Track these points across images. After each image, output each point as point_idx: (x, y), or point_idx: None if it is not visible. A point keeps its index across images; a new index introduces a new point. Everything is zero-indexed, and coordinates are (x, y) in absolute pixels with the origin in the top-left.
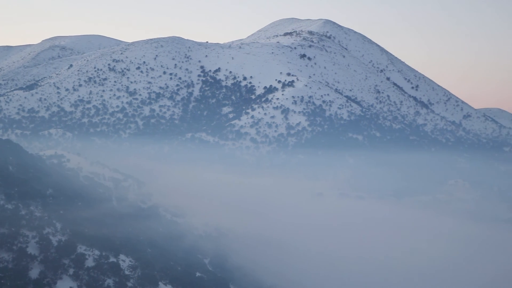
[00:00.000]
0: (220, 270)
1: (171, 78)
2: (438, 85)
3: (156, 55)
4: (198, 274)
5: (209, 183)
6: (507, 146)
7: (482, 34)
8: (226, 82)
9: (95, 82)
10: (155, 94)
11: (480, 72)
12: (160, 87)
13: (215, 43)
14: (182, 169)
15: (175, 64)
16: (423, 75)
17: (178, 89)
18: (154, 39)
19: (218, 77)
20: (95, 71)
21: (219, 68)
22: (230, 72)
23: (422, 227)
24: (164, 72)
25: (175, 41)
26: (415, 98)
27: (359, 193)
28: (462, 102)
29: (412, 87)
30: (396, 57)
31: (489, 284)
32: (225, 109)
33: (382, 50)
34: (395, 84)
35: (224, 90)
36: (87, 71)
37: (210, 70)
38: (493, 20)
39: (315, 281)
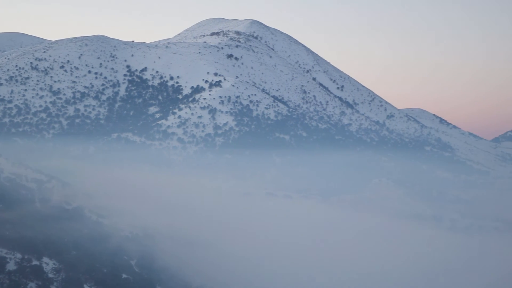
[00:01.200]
0: (147, 272)
1: (96, 78)
2: (363, 86)
3: (81, 54)
4: (124, 276)
5: (136, 184)
6: (428, 145)
7: (402, 35)
8: (153, 82)
9: (16, 81)
10: (80, 94)
11: (402, 73)
12: (85, 87)
13: (141, 43)
14: (108, 169)
15: (101, 63)
16: (348, 75)
17: (103, 89)
18: (79, 37)
19: (144, 77)
20: (17, 69)
21: (145, 68)
22: (157, 71)
23: (347, 225)
24: (89, 71)
25: (100, 40)
26: (340, 98)
27: (286, 192)
28: (386, 102)
29: (338, 88)
30: (322, 58)
31: (411, 277)
32: (152, 109)
33: (308, 50)
34: (321, 84)
35: (150, 90)
36: (8, 69)
37: (136, 70)
38: (412, 21)
39: (241, 281)
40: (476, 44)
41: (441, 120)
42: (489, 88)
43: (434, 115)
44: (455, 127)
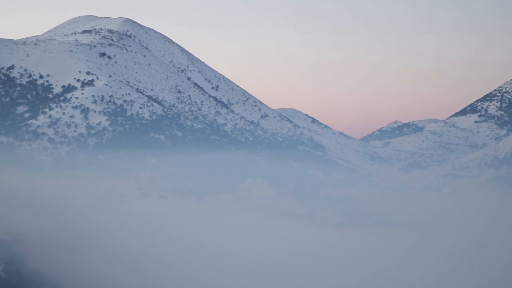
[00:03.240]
0: (16, 277)
1: None
2: (237, 86)
3: None
4: None
5: (3, 186)
6: (301, 144)
7: (276, 35)
8: (21, 80)
9: None
10: None
11: (276, 73)
12: None
13: (7, 39)
14: None
15: None
16: (223, 75)
17: None
18: None
19: (12, 75)
20: None
21: (12, 66)
22: (25, 69)
23: (222, 224)
24: None
25: None
26: (215, 98)
27: (162, 192)
28: (260, 102)
29: (213, 87)
30: (196, 58)
31: (284, 272)
32: (20, 108)
33: (183, 50)
34: (196, 84)
35: (18, 89)
36: None
37: (3, 68)
38: (287, 20)
39: (117, 284)
40: (346, 45)
41: (313, 120)
42: (358, 89)
43: (306, 115)
44: (326, 126)
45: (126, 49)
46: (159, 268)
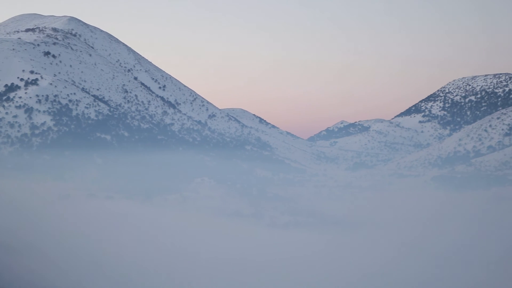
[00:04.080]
0: None
1: None
2: (185, 86)
3: None
4: None
5: None
6: (249, 144)
7: (224, 35)
8: None
9: None
10: None
11: (224, 72)
12: None
13: None
14: None
15: None
16: (170, 75)
17: None
18: None
19: None
20: None
21: None
22: None
23: (170, 224)
24: None
25: None
26: (162, 98)
27: (108, 193)
28: (208, 102)
29: (160, 87)
30: (143, 57)
31: (231, 272)
32: None
33: (129, 49)
34: (142, 84)
35: None
36: None
37: None
38: (234, 19)
39: (59, 286)
40: (293, 45)
41: (261, 120)
42: (305, 89)
43: (254, 115)
44: (274, 126)
45: (71, 48)
46: (103, 269)
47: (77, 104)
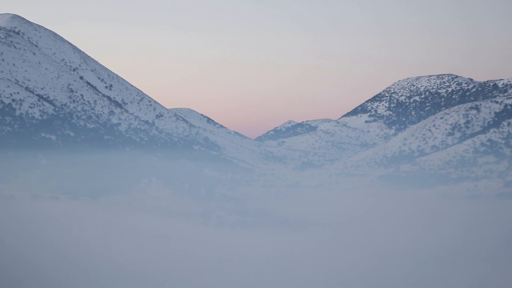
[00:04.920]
0: None
1: None
2: (132, 85)
3: None
4: None
5: None
6: (197, 144)
7: (168, 37)
8: None
9: None
10: None
11: (171, 72)
12: None
13: None
14: None
15: None
16: (116, 74)
17: None
18: None
19: None
20: None
21: None
22: None
23: (116, 225)
24: None
25: None
26: (109, 98)
27: (54, 194)
28: (155, 102)
29: (106, 87)
30: (89, 56)
31: (179, 272)
32: None
33: (75, 48)
34: (88, 83)
35: None
36: None
37: None
38: (176, 19)
39: None
40: (241, 44)
41: (209, 120)
42: (253, 89)
43: (201, 114)
44: (221, 126)
45: (14, 47)
46: (45, 270)
47: (20, 104)
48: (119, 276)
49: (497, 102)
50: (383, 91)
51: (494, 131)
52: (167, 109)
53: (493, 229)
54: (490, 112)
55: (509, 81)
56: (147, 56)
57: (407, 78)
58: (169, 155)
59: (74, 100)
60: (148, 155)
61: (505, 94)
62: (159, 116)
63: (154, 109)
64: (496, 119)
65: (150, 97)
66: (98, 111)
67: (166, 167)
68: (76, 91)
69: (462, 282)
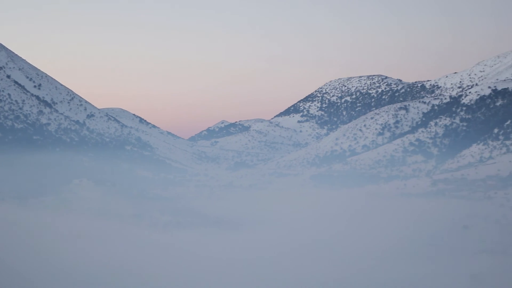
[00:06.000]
0: None
1: None
2: (62, 85)
3: None
4: None
5: None
6: (129, 144)
7: (98, 35)
8: None
9: None
10: None
11: (103, 72)
12: None
13: None
14: None
15: None
16: (46, 74)
17: None
18: None
19: None
20: None
21: None
22: None
23: (46, 227)
24: None
25: None
26: (38, 97)
27: None
28: (86, 101)
29: (35, 86)
30: (16, 55)
31: (111, 274)
32: None
33: (2, 46)
34: (16, 82)
35: None
36: None
37: None
38: (106, 17)
39: None
40: (174, 44)
41: (141, 120)
42: (186, 89)
43: (134, 114)
44: (154, 126)
45: None
46: None
47: None
48: (47, 279)
49: (424, 103)
50: (315, 91)
51: (422, 131)
52: (98, 109)
53: (422, 227)
54: (418, 112)
55: (436, 82)
56: (77, 55)
57: (339, 79)
58: (100, 156)
59: (0, 100)
60: (79, 155)
61: (433, 95)
62: (90, 116)
63: (85, 109)
64: (424, 119)
65: (81, 97)
66: (27, 110)
67: (98, 168)
68: (2, 90)
69: (392, 280)
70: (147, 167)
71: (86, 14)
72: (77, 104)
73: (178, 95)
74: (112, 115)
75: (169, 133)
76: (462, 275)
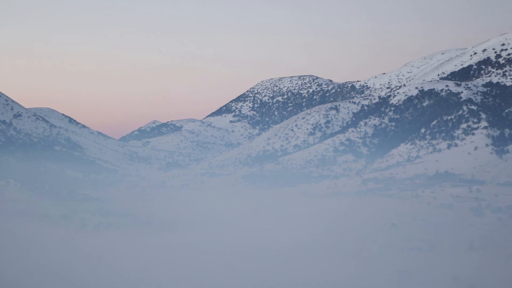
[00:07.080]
0: None
1: None
2: None
3: None
4: None
5: None
6: (58, 145)
7: (27, 33)
8: None
9: None
10: None
11: (31, 71)
12: None
13: None
14: None
15: None
16: None
17: None
18: None
19: None
20: None
21: None
22: None
23: None
24: None
25: None
26: None
27: None
28: (13, 101)
29: None
30: None
31: (41, 276)
32: None
33: None
34: None
35: None
36: None
37: None
38: (33, 15)
39: None
40: (105, 43)
41: (70, 120)
42: (117, 88)
43: (63, 114)
44: (84, 126)
45: None
46: None
47: None
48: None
49: (354, 103)
50: (247, 91)
51: (352, 131)
52: (26, 109)
53: (352, 225)
54: (348, 113)
55: (365, 83)
56: (3, 53)
57: (270, 79)
58: (28, 156)
59: None
60: (5, 156)
61: (362, 95)
62: (17, 115)
63: (12, 109)
64: (354, 119)
65: (7, 96)
66: None
67: (25, 169)
68: None
69: (321, 278)
70: (77, 167)
71: (17, 12)
72: (3, 104)
73: (109, 94)
74: (40, 115)
75: (99, 133)
76: (391, 272)
